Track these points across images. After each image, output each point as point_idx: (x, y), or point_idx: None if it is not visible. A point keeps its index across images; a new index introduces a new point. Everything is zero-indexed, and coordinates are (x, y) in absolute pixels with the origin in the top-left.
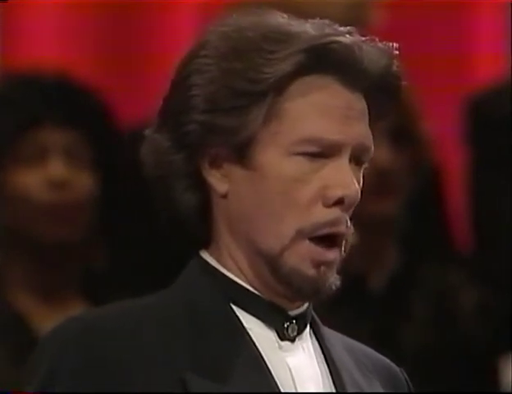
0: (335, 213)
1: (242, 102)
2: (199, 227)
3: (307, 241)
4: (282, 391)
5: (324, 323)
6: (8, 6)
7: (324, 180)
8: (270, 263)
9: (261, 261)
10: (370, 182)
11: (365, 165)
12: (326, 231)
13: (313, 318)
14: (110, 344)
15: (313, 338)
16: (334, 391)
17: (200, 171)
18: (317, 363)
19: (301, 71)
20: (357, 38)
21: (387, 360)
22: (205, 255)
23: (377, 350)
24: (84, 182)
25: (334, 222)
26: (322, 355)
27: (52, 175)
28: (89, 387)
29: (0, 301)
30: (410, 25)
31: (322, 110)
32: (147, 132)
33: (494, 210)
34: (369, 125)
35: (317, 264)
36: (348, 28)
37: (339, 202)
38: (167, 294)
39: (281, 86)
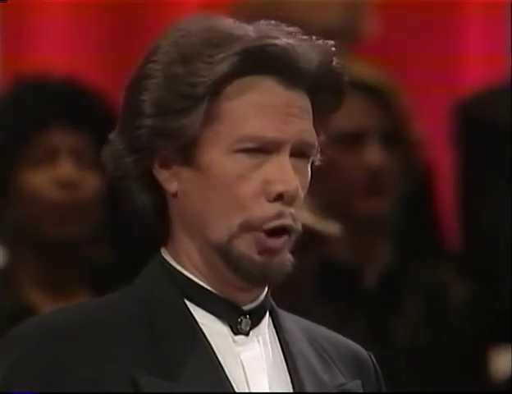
0: (278, 207)
1: (183, 105)
2: (158, 226)
3: (256, 232)
4: (234, 385)
5: (318, 318)
6: (15, 7)
7: (265, 176)
8: (220, 252)
9: (212, 253)
10: (362, 182)
11: (313, 158)
12: (272, 224)
13: (272, 307)
14: (66, 345)
15: (272, 328)
16: (288, 381)
17: (152, 172)
18: (273, 354)
19: (237, 72)
20: (295, 38)
21: (355, 345)
22: (164, 253)
23: (369, 344)
24: (90, 182)
25: (278, 216)
26: (279, 346)
27: (61, 175)
28: (44, 387)
29: (10, 295)
30: (401, 27)
31: (259, 110)
32: (110, 136)
33: (482, 210)
34: (319, 121)
35: (263, 251)
36: (292, 28)
37: (279, 197)
38: (127, 292)
39: (217, 88)
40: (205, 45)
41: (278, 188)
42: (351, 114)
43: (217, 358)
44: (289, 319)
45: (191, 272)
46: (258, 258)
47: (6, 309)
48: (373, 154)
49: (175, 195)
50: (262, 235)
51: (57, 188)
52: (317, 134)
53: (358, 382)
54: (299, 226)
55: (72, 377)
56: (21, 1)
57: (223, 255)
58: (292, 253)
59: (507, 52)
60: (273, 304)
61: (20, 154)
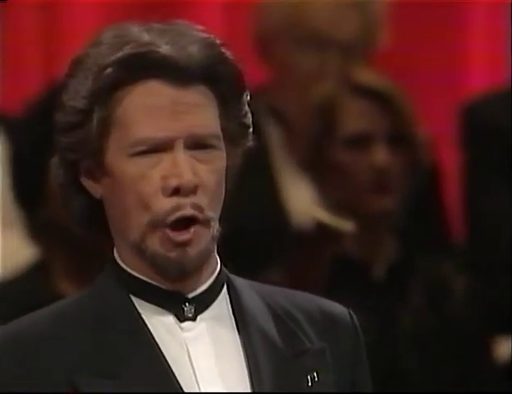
0: (176, 200)
1: (77, 119)
2: (94, 230)
3: (162, 228)
4: (177, 373)
5: None
6: (47, 9)
7: (162, 172)
8: (139, 251)
9: (134, 250)
10: (370, 182)
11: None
12: (172, 217)
13: (229, 280)
14: (8, 352)
15: (228, 305)
16: (242, 359)
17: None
18: (227, 332)
19: (121, 80)
20: (179, 37)
21: (331, 305)
22: (114, 251)
23: (376, 333)
24: None
25: (177, 208)
26: (234, 323)
27: None
28: None
29: (44, 288)
30: (406, 26)
31: (147, 112)
32: None
33: (485, 209)
34: (227, 110)
35: (176, 246)
36: (185, 27)
37: (176, 191)
38: (81, 294)
39: (104, 98)
40: (97, 56)
41: (172, 182)
42: (358, 118)
43: (159, 348)
44: (248, 289)
45: (133, 269)
46: (172, 254)
47: (40, 301)
48: (380, 155)
49: (101, 201)
50: (167, 231)
51: None
52: (228, 122)
53: (323, 347)
54: (209, 214)
55: (12, 383)
56: (53, 1)
57: (142, 254)
58: (309, 250)
59: (508, 52)
60: (230, 277)
61: (51, 157)
